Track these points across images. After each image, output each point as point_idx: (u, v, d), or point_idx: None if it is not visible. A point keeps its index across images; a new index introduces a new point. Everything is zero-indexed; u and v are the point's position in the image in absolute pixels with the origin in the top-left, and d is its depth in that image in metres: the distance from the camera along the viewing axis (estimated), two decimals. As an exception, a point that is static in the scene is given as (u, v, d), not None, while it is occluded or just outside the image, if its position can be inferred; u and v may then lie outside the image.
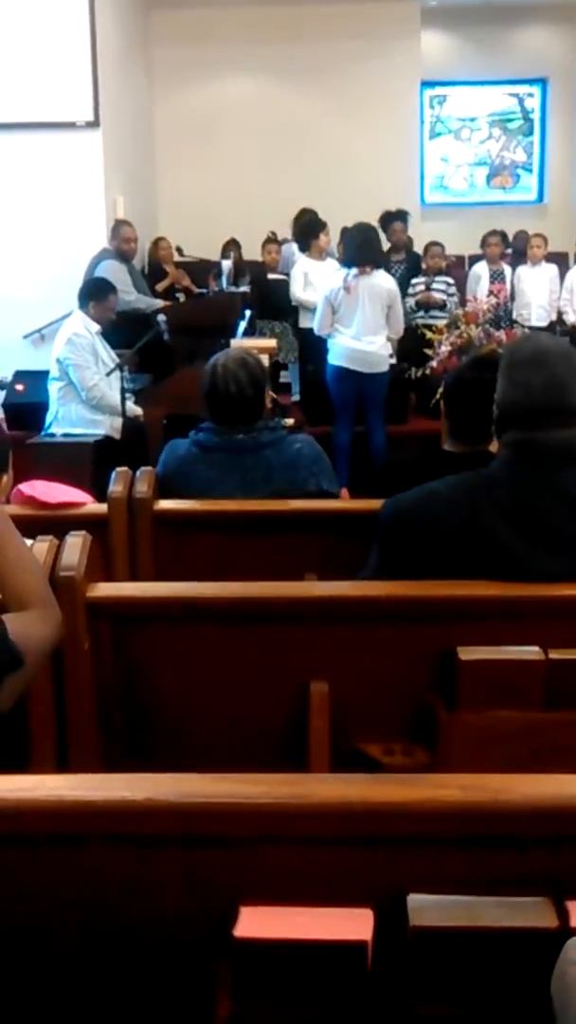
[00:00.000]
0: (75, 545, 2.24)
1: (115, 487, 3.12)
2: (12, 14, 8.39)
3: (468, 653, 2.17)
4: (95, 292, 6.69)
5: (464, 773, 1.44)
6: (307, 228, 8.63)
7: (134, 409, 6.55)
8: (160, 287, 9.33)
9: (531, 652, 2.16)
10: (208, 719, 2.31)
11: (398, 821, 1.33)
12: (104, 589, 2.28)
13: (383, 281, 7.18)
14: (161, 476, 3.34)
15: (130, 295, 7.83)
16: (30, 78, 8.44)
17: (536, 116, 13.48)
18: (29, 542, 2.21)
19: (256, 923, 1.31)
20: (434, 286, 8.81)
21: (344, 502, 3.48)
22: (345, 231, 9.28)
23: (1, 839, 1.37)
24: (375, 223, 8.15)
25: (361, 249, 7.17)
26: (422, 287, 8.81)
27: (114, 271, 7.90)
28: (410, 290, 8.69)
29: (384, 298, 7.11)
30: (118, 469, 3.18)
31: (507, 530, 2.27)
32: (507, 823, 1.34)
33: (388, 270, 7.91)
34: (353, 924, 1.32)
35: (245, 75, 11.68)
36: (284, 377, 9.21)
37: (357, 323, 7.09)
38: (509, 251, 10.00)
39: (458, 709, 2.18)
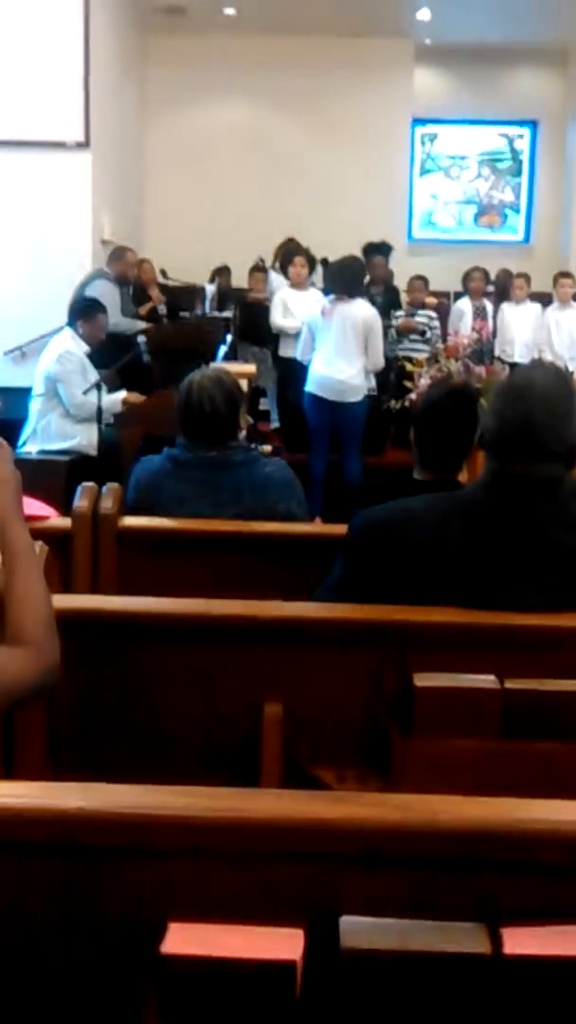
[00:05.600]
0: (31, 555, 2.21)
1: (80, 502, 3.09)
2: (5, 32, 8.42)
3: (424, 679, 2.15)
4: (84, 312, 6.70)
5: (411, 797, 1.41)
6: (282, 258, 8.69)
7: (116, 403, 6.54)
8: (143, 311, 9.33)
9: (487, 681, 2.15)
10: (160, 736, 2.28)
11: (332, 839, 1.31)
12: (58, 601, 2.25)
13: (359, 310, 7.12)
14: (133, 490, 3.34)
15: (114, 317, 7.83)
16: (22, 96, 8.46)
17: (525, 157, 13.60)
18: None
19: (184, 940, 1.28)
20: (417, 317, 8.87)
21: (312, 526, 3.46)
22: (325, 263, 9.35)
23: None
24: (360, 255, 8.19)
25: (337, 278, 7.19)
26: (403, 317, 8.87)
27: (106, 294, 7.90)
28: (392, 321, 8.73)
29: (359, 326, 7.05)
30: (84, 484, 3.15)
31: (474, 554, 2.26)
32: (444, 845, 1.32)
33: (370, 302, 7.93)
34: (283, 944, 1.29)
35: (238, 102, 11.78)
36: (264, 404, 9.23)
37: (328, 349, 7.06)
38: (491, 288, 10.06)
39: (412, 735, 2.16)
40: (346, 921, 1.30)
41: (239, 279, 10.29)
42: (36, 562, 1.87)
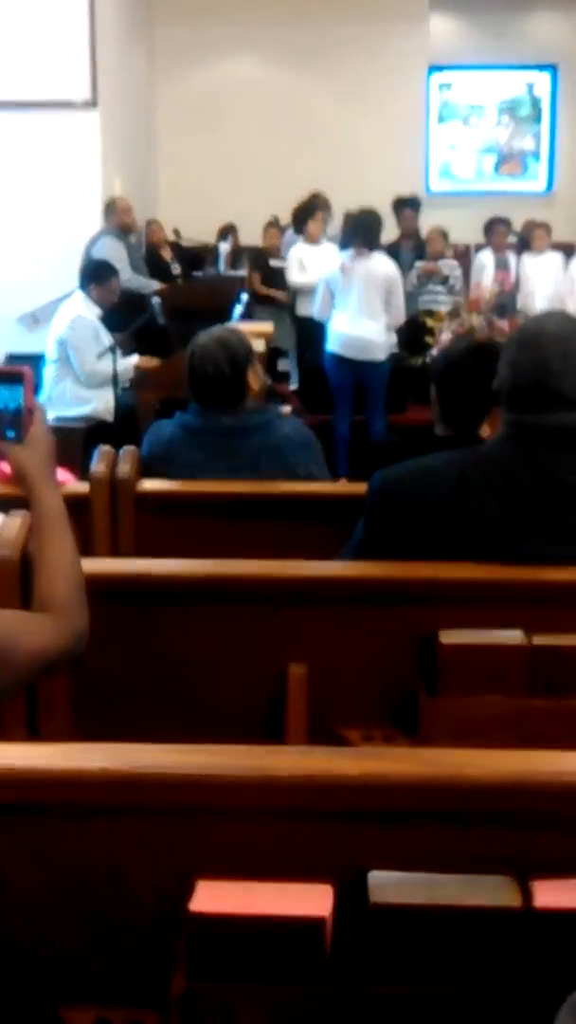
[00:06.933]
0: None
1: (97, 466, 3.06)
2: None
3: (450, 636, 2.13)
4: (96, 275, 6.64)
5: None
6: (301, 212, 8.57)
7: (128, 369, 6.52)
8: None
9: (514, 637, 2.13)
10: (184, 698, 2.28)
11: (360, 794, 1.30)
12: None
13: (380, 265, 7.02)
14: (145, 458, 3.30)
15: (125, 274, 7.78)
16: (26, 55, 8.31)
17: (545, 103, 13.34)
18: (1, 517, 2.18)
19: (213, 897, 1.28)
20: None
21: (332, 486, 3.43)
22: (347, 217, 9.25)
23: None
24: (382, 208, 8.04)
25: (356, 232, 7.09)
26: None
27: (112, 250, 7.84)
28: (413, 272, 8.66)
29: (381, 282, 6.96)
30: (101, 448, 3.13)
31: (494, 508, 2.24)
32: (470, 798, 1.32)
33: (397, 257, 7.81)
34: (312, 900, 1.29)
35: (250, 56, 11.62)
36: (283, 365, 9.16)
37: (351, 306, 6.96)
38: (514, 239, 9.91)
39: (439, 693, 2.15)
40: (375, 876, 1.30)
41: (254, 235, 10.18)
42: (67, 527, 1.82)
